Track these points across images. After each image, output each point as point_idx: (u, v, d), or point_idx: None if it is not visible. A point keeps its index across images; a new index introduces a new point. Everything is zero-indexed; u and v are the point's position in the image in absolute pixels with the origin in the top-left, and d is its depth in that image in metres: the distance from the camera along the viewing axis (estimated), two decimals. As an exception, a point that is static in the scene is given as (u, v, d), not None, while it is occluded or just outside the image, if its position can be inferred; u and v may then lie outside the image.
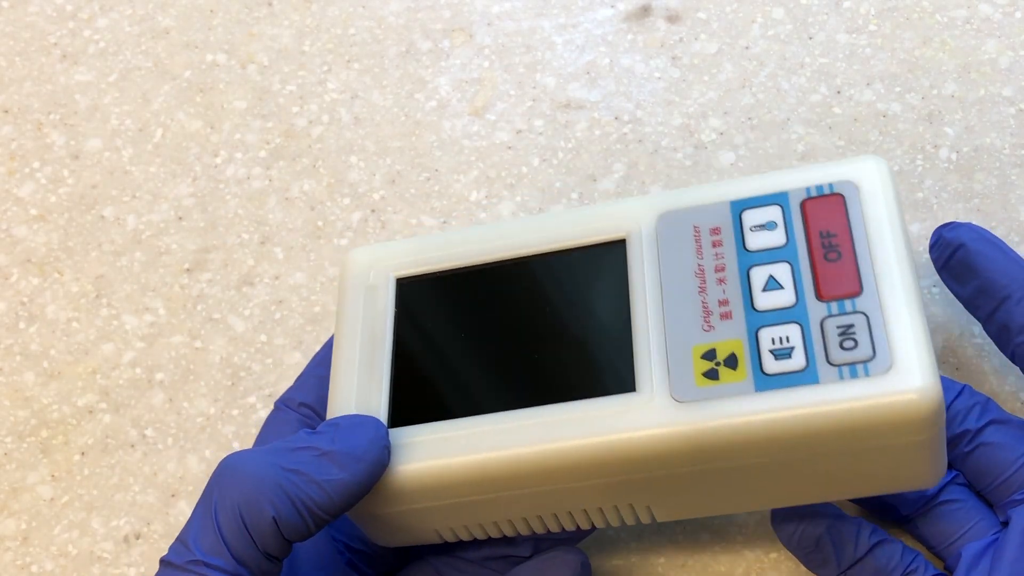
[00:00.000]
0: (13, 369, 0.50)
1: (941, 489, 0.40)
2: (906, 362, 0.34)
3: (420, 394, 0.39)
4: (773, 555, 0.42)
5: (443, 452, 0.37)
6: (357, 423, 0.37)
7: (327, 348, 0.43)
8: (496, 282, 0.41)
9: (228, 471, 0.35)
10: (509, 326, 0.40)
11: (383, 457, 0.37)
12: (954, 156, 0.48)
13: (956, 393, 0.40)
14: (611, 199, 0.42)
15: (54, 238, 0.52)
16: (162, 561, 0.35)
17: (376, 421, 0.38)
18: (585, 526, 0.39)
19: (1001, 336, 0.40)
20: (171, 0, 0.57)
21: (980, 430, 0.39)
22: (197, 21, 0.57)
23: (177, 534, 0.36)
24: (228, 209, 0.52)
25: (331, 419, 0.38)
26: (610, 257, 0.39)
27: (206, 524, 0.35)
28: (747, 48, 0.52)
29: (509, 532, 0.39)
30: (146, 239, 0.52)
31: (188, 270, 0.51)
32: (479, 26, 0.54)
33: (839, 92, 0.50)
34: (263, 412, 0.48)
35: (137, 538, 0.46)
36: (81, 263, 0.52)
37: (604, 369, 0.38)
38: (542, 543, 0.40)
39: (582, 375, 0.38)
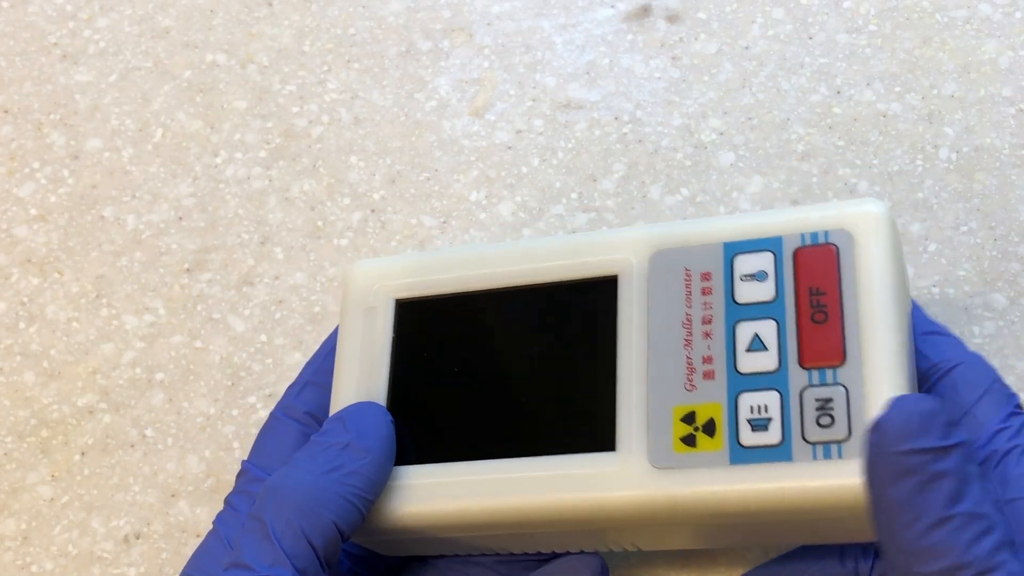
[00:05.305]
0: (13, 369, 0.50)
1: None
2: None
3: (412, 431, 0.40)
4: (773, 555, 0.42)
5: (431, 498, 0.38)
6: (358, 410, 0.39)
7: (320, 357, 0.43)
8: (489, 312, 0.40)
9: (274, 493, 0.36)
10: (500, 362, 0.40)
11: (392, 430, 0.39)
12: (954, 156, 0.48)
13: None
14: (612, 227, 0.40)
15: (54, 238, 0.52)
16: None
17: (374, 404, 0.39)
18: (575, 550, 0.40)
19: None
20: (171, 0, 0.57)
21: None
22: (197, 21, 0.57)
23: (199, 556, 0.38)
24: (228, 209, 0.52)
25: (333, 415, 0.40)
26: (602, 295, 0.39)
27: (263, 543, 0.36)
28: (747, 48, 0.52)
29: (514, 550, 0.40)
30: (146, 239, 0.52)
31: (188, 270, 0.51)
32: (479, 26, 0.54)
33: (839, 92, 0.50)
34: (263, 412, 0.48)
35: (137, 538, 0.46)
36: (81, 263, 0.52)
37: (587, 423, 0.38)
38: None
39: (567, 427, 0.38)
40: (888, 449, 0.32)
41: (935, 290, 0.45)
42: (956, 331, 0.45)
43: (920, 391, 0.38)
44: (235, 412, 0.48)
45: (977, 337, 0.45)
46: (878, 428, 0.33)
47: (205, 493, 0.47)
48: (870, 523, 0.33)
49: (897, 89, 0.50)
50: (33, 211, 0.53)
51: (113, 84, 0.56)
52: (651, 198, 0.49)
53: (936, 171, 0.48)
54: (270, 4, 0.57)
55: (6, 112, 0.56)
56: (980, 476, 0.33)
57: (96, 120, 0.55)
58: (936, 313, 0.45)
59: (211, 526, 0.40)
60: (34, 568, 0.46)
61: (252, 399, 0.48)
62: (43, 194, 0.54)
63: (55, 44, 0.57)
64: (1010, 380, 0.44)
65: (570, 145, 0.51)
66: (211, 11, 0.57)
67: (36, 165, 0.54)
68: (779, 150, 0.49)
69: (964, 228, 0.47)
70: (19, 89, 0.56)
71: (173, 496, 0.47)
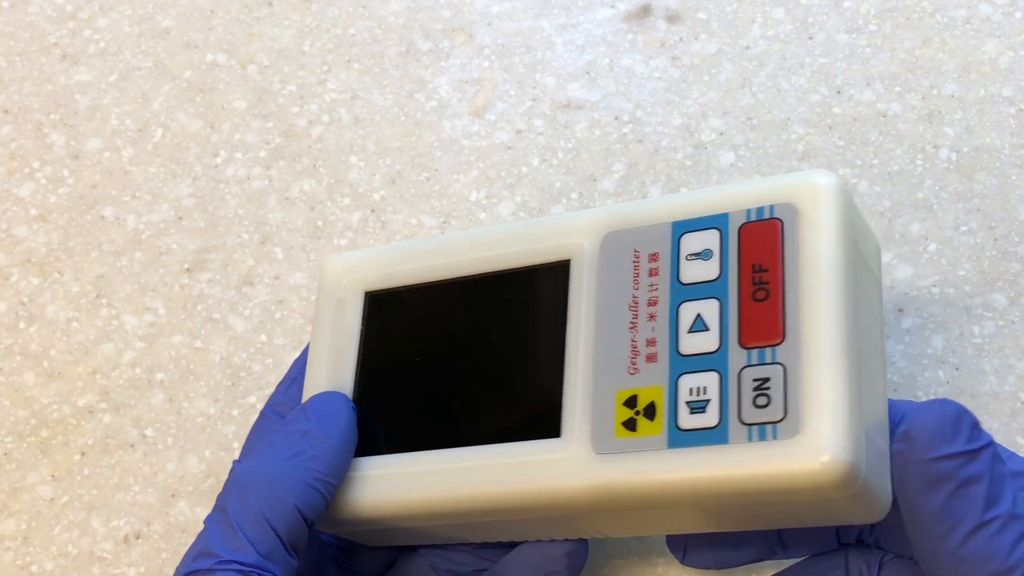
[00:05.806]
0: (13, 369, 0.50)
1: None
2: (815, 427, 0.32)
3: (375, 421, 0.40)
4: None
5: (386, 488, 0.38)
6: (320, 399, 0.40)
7: (307, 354, 0.43)
8: (449, 301, 0.40)
9: (236, 482, 0.37)
10: (457, 351, 0.40)
11: (352, 417, 0.39)
12: (954, 156, 0.48)
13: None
14: (568, 212, 0.40)
15: (54, 238, 0.52)
16: (186, 575, 0.36)
17: (335, 393, 0.40)
18: (544, 539, 0.39)
19: None
20: (171, 0, 0.57)
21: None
22: (197, 21, 0.57)
23: (183, 554, 0.37)
24: (228, 209, 0.52)
25: (298, 406, 0.40)
26: (555, 280, 0.38)
27: (225, 532, 0.36)
28: (747, 48, 0.52)
29: (484, 539, 0.40)
30: (146, 239, 0.52)
31: (188, 270, 0.51)
32: (479, 26, 0.54)
33: (839, 92, 0.50)
34: (263, 412, 0.48)
35: (137, 538, 0.46)
36: (81, 263, 0.52)
37: (536, 410, 0.37)
38: None
39: (517, 414, 0.38)
40: (917, 457, 0.31)
41: (935, 290, 0.45)
42: (956, 331, 0.45)
43: None
44: (235, 412, 0.48)
45: (977, 337, 0.45)
46: (906, 437, 0.32)
47: (205, 493, 0.47)
48: (908, 535, 0.32)
49: (897, 89, 0.50)
50: (33, 211, 0.53)
51: (113, 84, 0.56)
52: (651, 198, 0.49)
53: (936, 171, 0.48)
54: (270, 4, 0.57)
55: (6, 112, 0.56)
56: (1011, 476, 0.32)
57: (96, 120, 0.55)
58: (936, 313, 0.45)
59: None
60: (34, 568, 0.46)
61: (252, 399, 0.48)
62: (43, 194, 0.54)
63: (55, 44, 0.57)
64: (1009, 380, 0.44)
65: (570, 145, 0.51)
66: (211, 11, 0.57)
67: (36, 165, 0.54)
68: (779, 150, 0.49)
69: (964, 228, 0.47)
70: (19, 89, 0.56)
71: (173, 496, 0.47)
